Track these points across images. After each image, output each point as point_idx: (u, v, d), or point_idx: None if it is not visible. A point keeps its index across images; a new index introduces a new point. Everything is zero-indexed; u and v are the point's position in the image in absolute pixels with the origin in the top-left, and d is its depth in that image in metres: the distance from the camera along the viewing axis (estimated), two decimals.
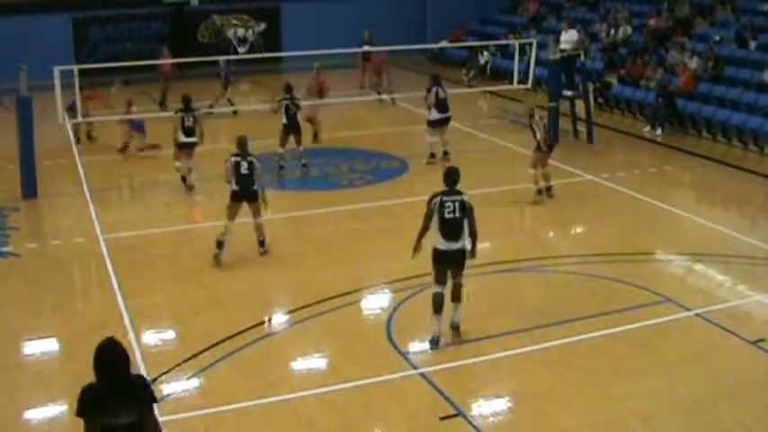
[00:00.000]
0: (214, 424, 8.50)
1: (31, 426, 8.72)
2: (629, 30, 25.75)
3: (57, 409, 8.90)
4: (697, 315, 10.73)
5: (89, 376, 8.04)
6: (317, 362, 9.96)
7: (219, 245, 12.44)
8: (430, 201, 9.79)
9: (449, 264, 9.81)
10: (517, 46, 21.48)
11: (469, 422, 8.46)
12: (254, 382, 9.25)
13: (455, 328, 10.06)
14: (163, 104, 22.86)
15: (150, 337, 10.46)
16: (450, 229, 9.67)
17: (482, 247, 13.45)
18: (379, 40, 25.32)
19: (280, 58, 29.02)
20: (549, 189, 15.41)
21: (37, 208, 15.62)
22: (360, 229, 14.23)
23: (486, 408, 8.76)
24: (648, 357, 9.72)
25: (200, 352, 9.83)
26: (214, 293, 11.65)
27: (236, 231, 12.64)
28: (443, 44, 28.83)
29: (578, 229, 14.66)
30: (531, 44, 20.87)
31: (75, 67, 17.38)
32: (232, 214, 12.52)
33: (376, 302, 11.47)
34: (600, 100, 23.01)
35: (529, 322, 10.53)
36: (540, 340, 10.06)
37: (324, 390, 9.07)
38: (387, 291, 11.70)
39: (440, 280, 9.86)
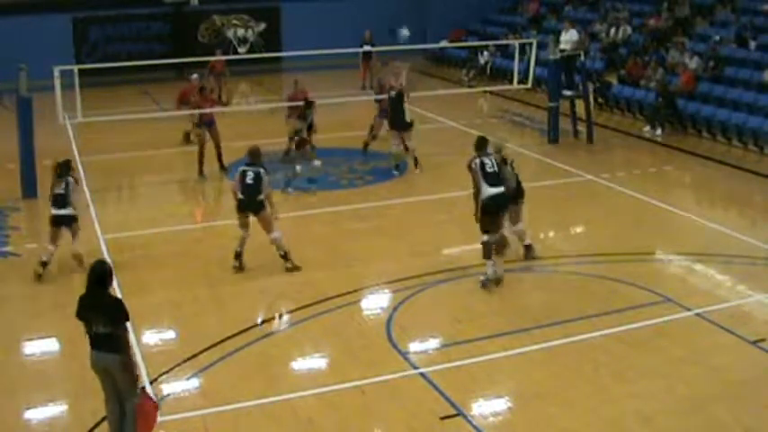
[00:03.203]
0: (214, 424, 8.50)
1: (31, 426, 8.71)
2: (629, 30, 25.76)
3: (57, 409, 8.90)
4: (697, 315, 10.73)
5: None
6: (316, 362, 9.96)
7: None
8: (469, 166, 11.57)
9: (499, 207, 11.52)
10: (517, 46, 21.48)
11: (469, 422, 8.46)
12: (254, 382, 9.25)
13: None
14: (221, 100, 22.57)
15: (150, 337, 10.46)
16: (493, 179, 11.47)
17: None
18: (378, 39, 25.34)
19: (280, 58, 29.04)
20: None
21: (37, 208, 15.60)
22: (360, 229, 14.23)
23: (486, 408, 8.75)
24: (648, 357, 9.71)
25: (201, 352, 9.83)
26: (214, 293, 11.65)
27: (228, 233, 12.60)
28: (443, 44, 28.83)
29: (578, 229, 14.65)
30: (531, 44, 20.88)
31: (76, 67, 17.37)
32: None
33: (376, 302, 11.47)
34: (600, 100, 23.00)
35: (529, 322, 10.53)
36: (539, 340, 10.06)
37: (324, 390, 9.07)
38: (387, 291, 11.69)
39: (488, 225, 11.45)
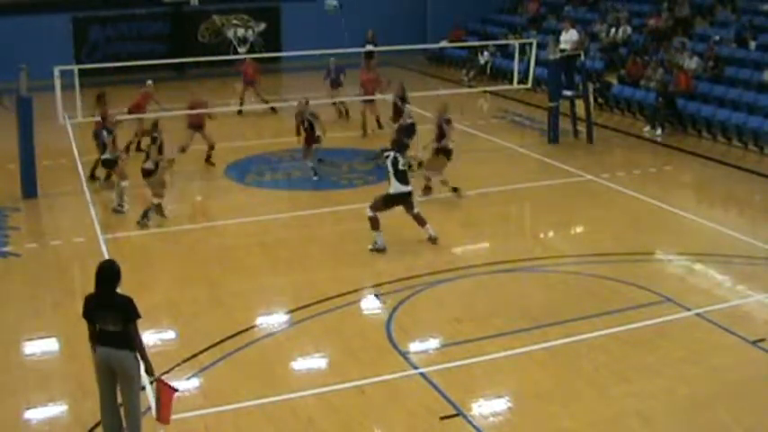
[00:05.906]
0: (214, 424, 8.50)
1: (31, 426, 8.71)
2: (629, 30, 25.76)
3: (57, 409, 8.90)
4: (697, 315, 10.73)
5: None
6: (316, 362, 9.96)
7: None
8: (386, 157, 12.84)
9: (402, 202, 12.92)
10: (517, 46, 21.48)
11: (469, 422, 8.46)
12: (254, 382, 9.25)
13: (434, 240, 13.09)
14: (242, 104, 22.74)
15: (150, 337, 10.41)
16: (403, 177, 12.82)
17: (482, 246, 13.59)
18: (379, 39, 25.34)
19: (280, 58, 29.03)
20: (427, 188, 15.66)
21: (37, 208, 15.62)
22: (360, 229, 14.19)
23: (486, 408, 8.76)
24: (648, 357, 9.72)
25: (201, 352, 9.83)
26: (214, 293, 11.65)
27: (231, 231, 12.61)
28: (443, 44, 28.83)
29: (578, 229, 14.65)
30: (531, 44, 20.87)
31: (76, 67, 17.37)
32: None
33: (376, 302, 11.47)
34: (600, 100, 22.99)
35: (529, 322, 10.53)
36: (539, 340, 10.06)
37: (324, 390, 9.07)
38: (387, 291, 11.69)
39: (381, 210, 12.92)
